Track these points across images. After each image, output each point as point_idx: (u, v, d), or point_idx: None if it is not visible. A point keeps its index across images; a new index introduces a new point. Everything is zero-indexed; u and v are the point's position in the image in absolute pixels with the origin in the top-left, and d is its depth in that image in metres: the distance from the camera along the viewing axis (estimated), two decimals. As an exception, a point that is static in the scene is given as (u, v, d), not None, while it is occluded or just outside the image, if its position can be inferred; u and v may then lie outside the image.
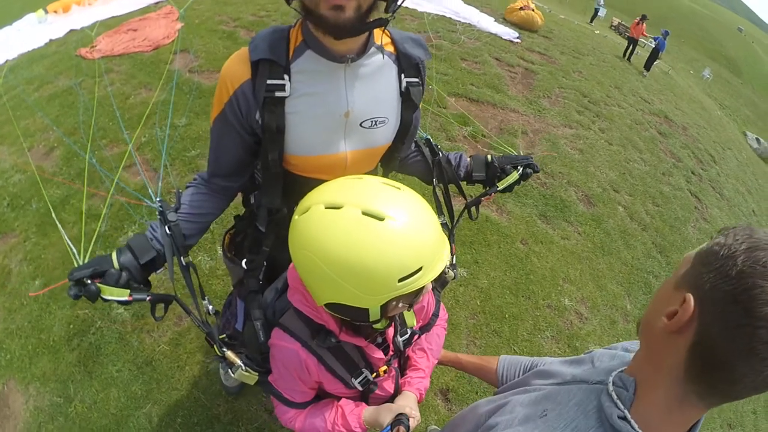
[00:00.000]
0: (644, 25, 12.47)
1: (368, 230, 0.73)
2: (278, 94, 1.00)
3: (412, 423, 1.09)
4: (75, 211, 3.33)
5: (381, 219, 0.73)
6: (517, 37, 8.45)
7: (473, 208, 1.48)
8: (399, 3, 0.98)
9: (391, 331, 1.09)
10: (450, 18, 8.59)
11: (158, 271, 1.10)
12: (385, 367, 1.11)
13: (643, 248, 4.28)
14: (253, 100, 1.01)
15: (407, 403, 1.16)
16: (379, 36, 1.09)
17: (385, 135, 1.16)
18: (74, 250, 1.05)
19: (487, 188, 1.46)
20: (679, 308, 0.59)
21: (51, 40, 6.33)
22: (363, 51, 1.03)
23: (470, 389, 2.56)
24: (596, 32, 14.07)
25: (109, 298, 0.95)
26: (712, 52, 32.62)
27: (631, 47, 11.91)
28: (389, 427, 1.05)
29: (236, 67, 1.01)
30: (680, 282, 0.62)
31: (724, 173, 7.13)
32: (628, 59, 11.67)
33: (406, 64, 1.12)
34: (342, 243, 0.73)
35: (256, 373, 1.05)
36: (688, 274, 0.62)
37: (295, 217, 0.81)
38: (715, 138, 8.70)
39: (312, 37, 1.00)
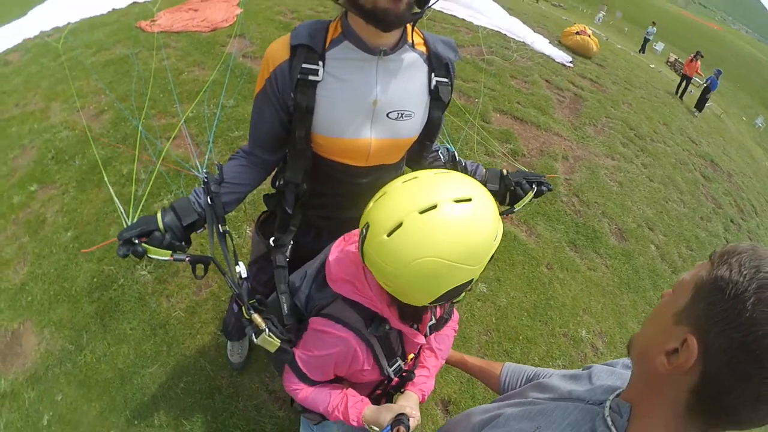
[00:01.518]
0: (698, 62, 12.09)
1: (468, 213, 0.80)
2: (311, 77, 1.08)
3: (413, 423, 1.08)
4: (115, 173, 3.45)
5: (469, 200, 0.81)
6: (570, 62, 8.32)
7: None
8: (431, 2, 1.10)
9: (428, 316, 1.12)
10: (505, 35, 8.55)
11: (198, 231, 1.19)
12: (412, 355, 1.15)
13: (670, 292, 4.11)
14: (288, 79, 1.10)
15: (408, 404, 1.16)
16: (412, 35, 1.15)
17: (410, 128, 1.21)
18: (122, 210, 1.15)
19: (506, 208, 1.49)
20: (679, 347, 0.56)
21: (114, 9, 6.62)
22: (396, 46, 1.10)
23: (472, 404, 2.50)
24: (651, 66, 13.74)
25: (154, 257, 1.05)
26: (768, 101, 31.34)
27: (684, 84, 11.56)
28: (389, 427, 1.04)
29: (278, 49, 1.11)
30: (680, 317, 0.58)
31: (764, 226, 6.79)
32: (681, 97, 11.32)
33: (436, 63, 1.19)
34: (457, 231, 0.79)
35: (278, 341, 1.07)
36: (689, 309, 0.57)
37: (383, 238, 0.82)
38: (760, 189, 8.31)
39: (350, 30, 1.08)
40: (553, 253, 3.80)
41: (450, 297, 0.88)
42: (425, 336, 1.16)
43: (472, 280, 0.86)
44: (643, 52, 17.42)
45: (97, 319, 2.51)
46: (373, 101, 1.11)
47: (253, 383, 2.32)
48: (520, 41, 8.43)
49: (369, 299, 1.00)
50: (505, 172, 1.48)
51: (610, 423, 0.66)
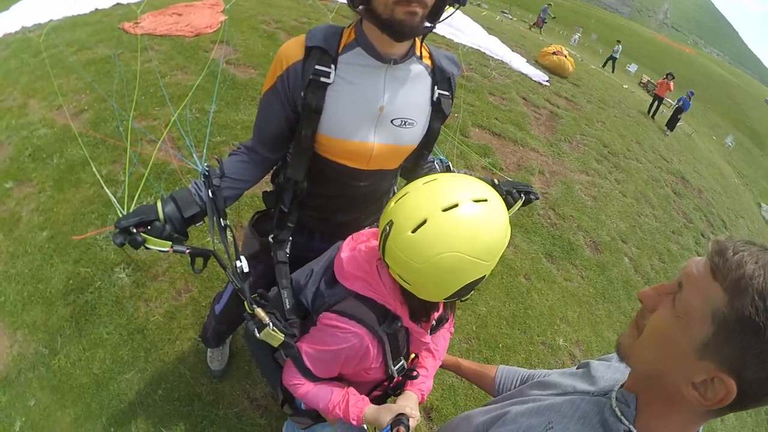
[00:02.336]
0: (671, 83, 12.60)
1: (485, 212, 0.87)
2: (323, 79, 1.11)
3: (413, 423, 1.10)
4: (93, 172, 3.36)
5: (485, 200, 0.88)
6: (547, 81, 8.59)
7: None
8: (444, 17, 1.13)
9: (433, 317, 1.15)
10: (484, 53, 8.77)
11: (197, 224, 1.20)
12: (413, 356, 1.18)
13: (643, 302, 4.25)
14: (300, 79, 1.12)
15: (408, 404, 1.17)
16: (420, 48, 1.21)
17: (412, 136, 1.25)
18: (115, 200, 1.14)
19: None
20: (709, 380, 0.56)
21: (97, 9, 6.51)
22: (405, 56, 1.15)
23: (454, 411, 2.53)
24: (624, 86, 14.26)
25: (152, 247, 1.05)
26: (737, 122, 32.77)
27: (656, 104, 12.01)
28: (389, 427, 1.06)
29: (293, 48, 1.13)
30: (704, 353, 0.56)
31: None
32: (653, 116, 11.76)
33: (440, 76, 1.24)
34: (477, 228, 0.85)
35: (282, 335, 1.08)
36: (715, 346, 0.54)
37: (408, 234, 0.87)
38: (729, 204, 8.69)
39: (364, 38, 1.12)
40: (531, 264, 3.89)
41: (462, 293, 0.94)
42: (436, 328, 1.19)
43: (484, 276, 0.92)
44: (613, 71, 17.97)
45: (73, 323, 2.44)
46: (379, 107, 1.15)
47: (234, 390, 2.28)
48: (498, 59, 8.67)
49: (383, 296, 1.04)
50: (496, 181, 1.54)
51: (618, 413, 0.68)
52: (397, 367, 1.13)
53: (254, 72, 5.23)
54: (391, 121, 1.18)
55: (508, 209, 1.48)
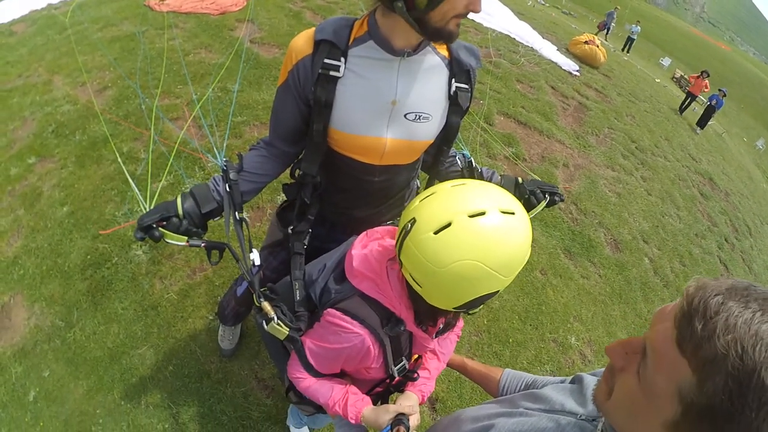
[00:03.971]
0: (706, 81, 12.09)
1: (511, 224, 0.84)
2: (332, 73, 1.09)
3: (413, 422, 1.09)
4: (114, 150, 3.42)
5: (512, 213, 0.85)
6: (577, 70, 8.33)
7: None
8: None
9: (440, 322, 1.13)
10: (513, 39, 8.54)
11: (215, 219, 1.23)
12: (416, 356, 1.16)
13: (661, 304, 4.10)
14: (310, 73, 1.10)
15: (407, 403, 1.16)
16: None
17: (427, 131, 1.21)
18: (141, 198, 1.20)
19: None
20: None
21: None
22: (418, 48, 1.10)
23: (459, 403, 2.51)
24: (656, 80, 13.77)
25: (170, 241, 1.08)
26: (771, 124, 31.51)
27: (688, 101, 11.57)
28: (389, 427, 1.05)
29: (302, 43, 1.11)
30: (675, 430, 0.51)
31: (758, 247, 6.84)
32: (682, 112, 11.34)
33: (457, 69, 1.19)
34: (500, 240, 0.82)
35: (287, 329, 1.08)
36: (683, 426, 0.50)
37: (429, 235, 0.84)
38: (756, 210, 8.37)
39: (377, 31, 1.08)
40: (548, 259, 3.81)
41: (473, 305, 0.91)
42: (442, 331, 1.16)
43: (497, 291, 0.89)
44: (628, 51, 17.20)
45: (89, 297, 2.50)
46: (391, 101, 1.12)
47: (242, 370, 2.31)
48: (528, 46, 8.42)
49: (389, 298, 1.02)
50: (520, 180, 1.49)
51: None
52: (398, 367, 1.12)
53: (278, 51, 5.19)
54: (405, 116, 1.15)
55: (531, 209, 1.44)
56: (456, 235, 0.82)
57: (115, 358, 2.28)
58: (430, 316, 1.04)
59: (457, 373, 2.59)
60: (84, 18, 5.41)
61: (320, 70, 1.08)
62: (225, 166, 1.20)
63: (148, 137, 3.49)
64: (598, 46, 9.37)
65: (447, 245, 0.82)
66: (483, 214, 0.82)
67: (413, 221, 0.87)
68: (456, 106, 1.22)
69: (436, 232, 0.83)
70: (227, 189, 1.18)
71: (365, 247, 1.09)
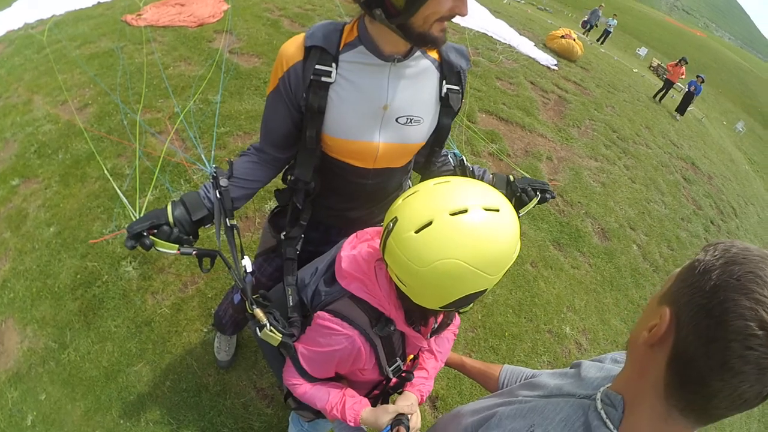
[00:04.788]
0: (683, 68, 12.30)
1: (495, 222, 0.83)
2: (324, 79, 1.09)
3: (412, 422, 1.10)
4: (99, 167, 3.38)
5: (497, 210, 0.83)
6: (555, 65, 8.43)
7: None
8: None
9: (432, 321, 1.13)
10: (491, 37, 8.62)
11: (206, 226, 1.21)
12: (412, 356, 1.16)
13: (651, 289, 4.20)
14: (301, 79, 1.10)
15: (407, 403, 1.17)
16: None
17: (418, 134, 1.22)
18: (128, 204, 1.19)
19: None
20: (659, 321, 0.61)
21: (99, 2, 6.50)
22: (409, 53, 1.11)
23: (459, 400, 2.53)
24: (634, 70, 13.98)
25: (161, 249, 1.08)
26: (749, 107, 32.02)
27: (665, 90, 11.75)
28: (389, 428, 1.06)
29: (292, 49, 1.11)
30: (662, 298, 0.64)
31: (743, 228, 6.99)
32: (660, 100, 11.52)
33: (448, 71, 1.20)
34: (483, 238, 0.81)
35: (280, 335, 1.08)
36: (669, 290, 0.63)
37: (411, 234, 0.83)
38: (739, 191, 8.54)
39: (367, 36, 1.08)
40: (538, 251, 3.86)
41: (460, 304, 0.90)
42: (437, 331, 1.17)
43: (486, 290, 0.88)
44: (602, 43, 17.47)
45: (81, 317, 2.47)
46: (383, 106, 1.13)
47: (240, 381, 2.31)
48: (505, 44, 8.51)
49: (377, 299, 1.01)
50: (511, 178, 1.51)
51: (604, 416, 0.67)
52: (392, 368, 1.12)
53: (258, 61, 5.19)
54: (396, 120, 1.16)
55: (522, 207, 1.46)
56: (437, 233, 0.81)
57: (112, 377, 2.25)
58: (420, 316, 1.04)
59: (455, 370, 2.64)
60: (61, 36, 5.35)
61: (312, 77, 1.08)
62: (215, 173, 1.20)
63: (132, 152, 3.46)
64: (574, 40, 9.50)
65: (428, 244, 0.82)
66: (465, 211, 0.81)
67: (395, 220, 0.87)
68: (447, 108, 1.23)
69: (417, 231, 0.82)
70: (218, 195, 1.18)
71: (354, 249, 1.09)
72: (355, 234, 1.15)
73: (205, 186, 1.22)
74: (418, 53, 1.13)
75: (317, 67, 1.08)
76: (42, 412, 2.14)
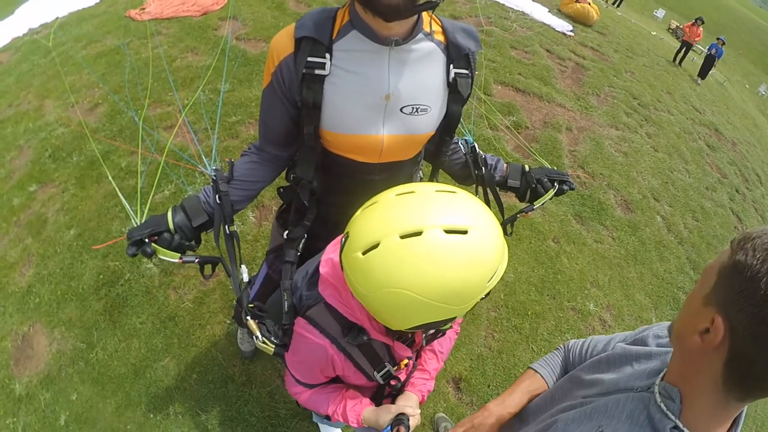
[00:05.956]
0: (700, 28, 11.74)
1: (458, 247, 0.71)
2: (317, 71, 1.02)
3: (413, 422, 1.07)
4: (114, 167, 3.42)
5: (464, 232, 0.71)
6: (571, 30, 8.11)
7: (508, 225, 1.44)
8: None
9: (419, 333, 1.09)
10: (503, 5, 8.33)
11: (209, 231, 1.18)
12: (406, 360, 1.11)
13: (677, 262, 4.08)
14: (294, 73, 1.04)
15: (408, 404, 1.14)
16: (429, 23, 1.08)
17: (426, 123, 1.14)
18: (131, 211, 1.13)
19: (526, 204, 1.45)
20: (710, 327, 0.62)
21: (101, 0, 6.46)
22: (409, 36, 1.03)
23: (483, 381, 2.51)
24: (652, 33, 13.43)
25: (163, 258, 1.05)
26: (772, 69, 30.66)
27: (683, 51, 11.25)
28: (389, 428, 1.04)
29: (282, 41, 1.04)
30: (708, 299, 0.64)
31: (770, 195, 6.73)
32: (679, 63, 11.05)
33: (455, 54, 1.10)
34: (438, 268, 0.70)
35: (273, 346, 1.06)
36: (714, 292, 0.63)
37: (358, 255, 0.75)
38: (764, 158, 8.19)
39: (358, 18, 1.00)
40: (560, 226, 3.77)
41: (429, 328, 0.84)
42: (422, 345, 1.14)
43: (453, 318, 0.80)
44: (618, 6, 16.74)
45: (106, 316, 2.52)
46: (385, 95, 1.05)
47: (265, 370, 2.33)
48: (518, 11, 8.20)
49: (349, 308, 0.95)
50: (527, 167, 1.42)
51: (665, 409, 0.69)
52: (381, 374, 1.07)
53: (265, 46, 5.09)
54: (401, 110, 1.08)
55: (537, 199, 1.39)
56: (383, 258, 0.72)
57: (140, 373, 2.30)
58: (394, 331, 0.97)
59: (480, 350, 2.63)
60: (66, 38, 5.35)
61: (304, 70, 1.01)
62: (215, 176, 1.15)
63: (146, 149, 3.46)
64: (590, 4, 9.11)
65: (373, 269, 0.73)
66: (419, 234, 0.70)
67: (347, 235, 0.79)
68: (456, 94, 1.14)
69: (364, 253, 0.74)
70: (217, 200, 1.14)
71: (335, 252, 1.01)
72: (342, 235, 1.11)
73: (205, 190, 1.18)
74: (420, 35, 1.04)
75: (309, 59, 1.01)
76: (74, 412, 2.19)
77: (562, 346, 1.18)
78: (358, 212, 0.83)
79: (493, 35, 6.70)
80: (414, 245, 0.70)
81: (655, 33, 13.93)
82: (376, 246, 0.72)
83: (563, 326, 3.01)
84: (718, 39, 11.84)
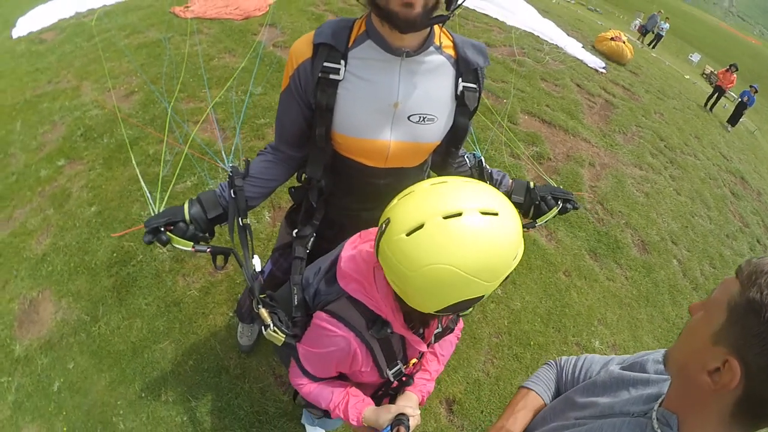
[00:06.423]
0: (734, 75, 11.60)
1: (492, 226, 0.78)
2: (332, 76, 1.08)
3: (413, 423, 1.07)
4: (141, 153, 3.53)
5: (495, 214, 0.79)
6: (603, 67, 8.11)
7: None
8: (459, 2, 1.05)
9: (434, 324, 1.11)
10: (537, 36, 8.40)
11: (222, 224, 1.24)
12: (415, 360, 1.14)
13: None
14: (311, 77, 1.10)
15: (408, 404, 1.15)
16: (440, 37, 1.13)
17: (433, 133, 1.19)
18: (150, 199, 1.21)
19: (528, 221, 1.46)
20: (721, 367, 0.60)
21: (148, -6, 6.73)
22: (420, 48, 1.08)
23: (477, 406, 2.47)
24: (686, 77, 13.33)
25: (177, 246, 1.11)
26: (806, 122, 29.95)
27: (716, 97, 11.11)
28: (389, 427, 1.04)
29: (301, 47, 1.12)
30: (718, 338, 0.61)
31: (791, 249, 6.52)
32: (710, 109, 10.90)
33: (464, 68, 1.16)
34: (477, 244, 0.77)
35: (284, 336, 1.08)
36: (725, 331, 0.60)
37: (402, 236, 0.80)
38: (789, 211, 7.98)
39: (374, 29, 1.07)
40: (573, 260, 3.72)
41: (457, 309, 0.87)
42: (430, 343, 1.15)
43: (483, 295, 0.85)
44: (654, 47, 16.81)
45: (114, 293, 2.57)
46: (394, 103, 1.10)
47: (260, 366, 2.34)
48: (552, 44, 8.25)
49: (374, 301, 0.99)
50: (532, 184, 1.44)
51: None
52: (393, 371, 1.10)
53: (300, 54, 5.23)
54: (408, 118, 1.13)
55: (541, 216, 1.40)
56: (428, 237, 0.77)
57: (138, 352, 2.34)
58: (419, 319, 1.01)
59: (476, 375, 2.58)
60: (111, 25, 5.58)
61: (320, 74, 1.08)
62: (231, 172, 1.22)
63: (174, 139, 3.57)
64: (624, 43, 9.11)
65: (419, 248, 0.78)
66: (459, 215, 0.76)
67: (387, 221, 0.84)
68: (463, 107, 1.19)
69: (408, 234, 0.79)
70: (232, 195, 1.20)
71: (355, 249, 1.06)
72: (359, 234, 1.13)
73: (221, 185, 1.24)
74: (431, 48, 1.10)
75: (325, 64, 1.07)
76: (69, 380, 2.24)
77: (553, 362, 1.16)
78: (395, 201, 0.87)
79: (524, 65, 6.74)
80: (456, 224, 0.76)
81: (688, 77, 13.82)
82: (420, 227, 0.78)
83: (565, 360, 2.95)
84: (751, 87, 11.68)
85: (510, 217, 0.81)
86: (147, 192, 1.27)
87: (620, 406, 0.80)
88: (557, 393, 1.10)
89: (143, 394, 2.18)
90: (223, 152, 1.34)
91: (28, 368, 2.29)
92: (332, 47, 1.07)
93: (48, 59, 5.04)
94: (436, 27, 1.10)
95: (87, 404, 2.16)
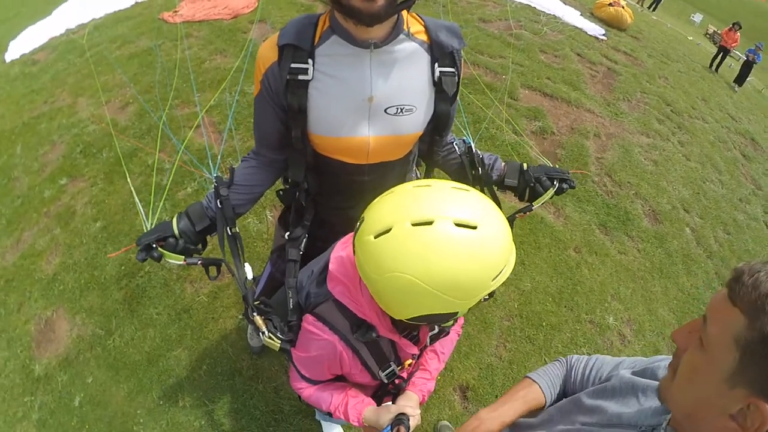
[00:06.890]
0: (738, 33, 11.27)
1: (466, 241, 0.73)
2: (301, 77, 1.05)
3: (413, 423, 1.07)
4: (141, 164, 3.55)
5: (474, 227, 0.73)
6: (603, 35, 7.89)
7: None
8: None
9: (425, 328, 1.09)
10: (534, 8, 8.20)
11: (212, 234, 1.24)
12: (410, 360, 1.12)
13: (705, 277, 3.89)
14: (279, 80, 1.07)
15: (408, 404, 1.15)
16: (408, 22, 1.09)
17: (413, 123, 1.16)
18: (144, 216, 1.23)
19: (525, 205, 1.42)
20: (744, 408, 0.55)
21: (136, 2, 6.70)
22: (389, 37, 1.04)
23: (491, 391, 2.46)
24: (689, 38, 12.99)
25: (170, 261, 1.12)
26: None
27: (720, 57, 10.82)
28: (389, 427, 1.04)
29: (266, 51, 1.09)
30: (734, 381, 0.55)
31: (806, 210, 6.36)
32: (716, 69, 10.62)
33: (439, 53, 1.11)
34: (444, 257, 0.72)
35: (279, 341, 1.08)
36: (742, 372, 0.54)
37: (370, 238, 0.77)
38: (803, 169, 7.77)
39: (338, 24, 1.03)
40: (582, 235, 3.66)
41: (432, 321, 0.84)
42: (426, 345, 1.13)
43: (456, 312, 0.81)
44: (654, 10, 16.31)
45: (125, 305, 2.61)
46: (368, 98, 1.07)
47: (272, 366, 2.37)
48: (550, 14, 8.04)
49: (358, 304, 0.97)
50: (525, 166, 1.39)
51: None
52: (386, 372, 1.09)
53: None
54: (385, 111, 1.10)
55: (537, 198, 1.35)
56: (394, 242, 0.74)
57: (153, 361, 2.38)
58: (400, 323, 0.98)
59: (489, 360, 2.58)
60: (101, 39, 5.58)
61: (288, 76, 1.05)
62: (216, 183, 1.21)
63: (173, 147, 3.58)
64: (623, 7, 8.86)
65: (384, 253, 0.75)
66: (429, 223, 0.72)
67: (362, 220, 0.82)
68: (442, 93, 1.14)
69: (376, 237, 0.76)
70: (218, 205, 1.19)
71: (344, 250, 1.04)
72: (349, 235, 1.10)
73: (208, 195, 1.24)
74: (402, 36, 1.06)
75: (292, 65, 1.04)
76: (89, 394, 2.29)
77: (563, 359, 1.14)
78: (376, 200, 0.85)
79: (522, 39, 6.57)
80: (424, 233, 0.72)
81: (691, 38, 13.48)
82: (388, 231, 0.75)
83: (579, 339, 2.92)
84: (755, 45, 11.36)
85: (493, 233, 0.75)
86: (140, 208, 1.28)
87: (628, 417, 0.77)
88: (562, 392, 1.09)
89: (161, 402, 2.23)
90: (210, 161, 1.33)
91: (49, 386, 2.34)
92: (297, 47, 1.04)
93: (42, 80, 5.07)
94: (403, 12, 1.06)
95: (108, 416, 2.22)
